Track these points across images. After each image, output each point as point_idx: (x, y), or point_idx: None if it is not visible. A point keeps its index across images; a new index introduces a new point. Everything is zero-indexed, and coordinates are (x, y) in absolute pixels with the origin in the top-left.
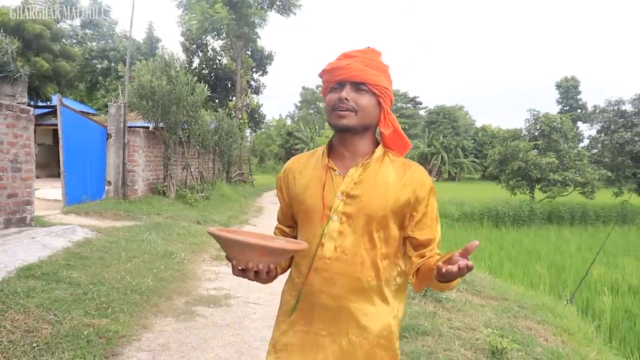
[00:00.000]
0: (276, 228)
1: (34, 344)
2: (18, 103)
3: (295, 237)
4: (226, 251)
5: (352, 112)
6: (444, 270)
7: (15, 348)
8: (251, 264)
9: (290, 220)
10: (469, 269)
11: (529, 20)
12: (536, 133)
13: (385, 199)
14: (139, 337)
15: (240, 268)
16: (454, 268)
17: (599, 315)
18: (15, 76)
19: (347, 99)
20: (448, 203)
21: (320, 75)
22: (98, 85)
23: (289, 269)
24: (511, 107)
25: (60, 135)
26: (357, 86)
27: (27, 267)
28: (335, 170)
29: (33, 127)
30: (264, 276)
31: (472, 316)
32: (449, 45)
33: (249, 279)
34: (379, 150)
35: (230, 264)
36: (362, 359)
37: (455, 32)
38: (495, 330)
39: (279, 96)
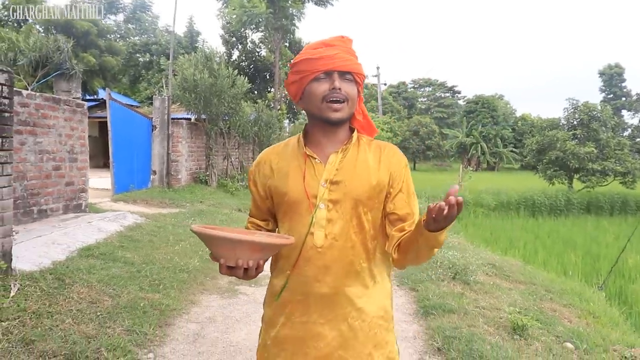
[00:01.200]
0: (249, 222)
1: (98, 313)
2: (73, 98)
3: (271, 231)
4: (213, 249)
5: (344, 103)
6: (433, 213)
7: (83, 315)
8: (241, 261)
9: (266, 214)
10: (459, 204)
11: (572, 7)
12: (575, 122)
13: (369, 181)
14: (188, 311)
15: (228, 266)
16: (443, 205)
17: (631, 303)
18: (70, 73)
19: (340, 89)
20: (484, 192)
21: (297, 65)
22: (140, 78)
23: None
24: (553, 96)
25: (109, 128)
26: (344, 75)
27: (86, 248)
28: (315, 158)
29: (87, 120)
30: (253, 273)
31: (499, 298)
32: (490, 34)
33: (237, 277)
34: (355, 135)
35: (217, 262)
36: (362, 341)
37: (496, 20)
38: (518, 309)
39: None
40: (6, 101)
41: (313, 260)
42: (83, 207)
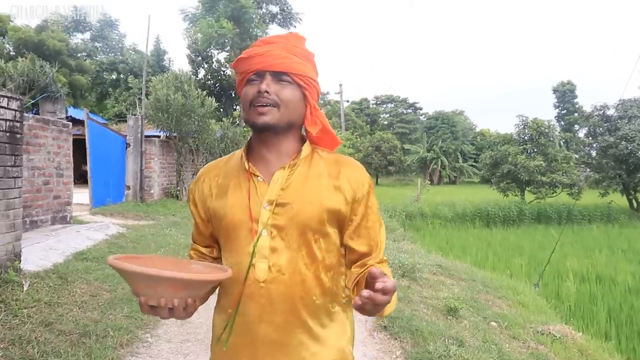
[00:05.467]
0: (192, 249)
1: (100, 303)
2: (59, 119)
3: (216, 259)
4: (132, 286)
5: (274, 108)
6: (359, 307)
7: (87, 305)
8: (164, 300)
9: (209, 240)
10: (385, 291)
11: (531, 24)
12: (525, 137)
13: (320, 203)
14: None
15: (150, 305)
16: (365, 296)
17: (565, 299)
18: (56, 95)
19: (267, 92)
20: (442, 205)
21: (235, 67)
22: (107, 96)
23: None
24: (514, 110)
25: (87, 146)
26: (279, 77)
27: (80, 252)
28: (258, 176)
29: (71, 139)
30: (181, 313)
31: (441, 290)
32: (450, 50)
33: (162, 317)
34: (307, 147)
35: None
36: None
37: (457, 37)
38: (453, 296)
39: None
40: (18, 124)
41: (256, 298)
42: (68, 219)
